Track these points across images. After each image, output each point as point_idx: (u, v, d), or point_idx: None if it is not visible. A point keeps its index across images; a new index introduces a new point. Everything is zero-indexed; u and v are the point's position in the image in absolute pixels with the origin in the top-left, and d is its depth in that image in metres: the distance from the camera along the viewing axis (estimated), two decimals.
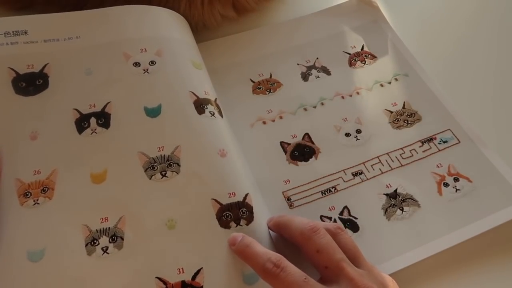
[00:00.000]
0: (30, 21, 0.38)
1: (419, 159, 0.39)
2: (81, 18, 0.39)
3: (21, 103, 0.35)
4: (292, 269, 0.28)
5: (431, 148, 0.40)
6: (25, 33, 0.38)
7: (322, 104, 0.43)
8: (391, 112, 0.42)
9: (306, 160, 0.39)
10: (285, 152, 0.39)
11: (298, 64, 0.45)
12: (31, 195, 0.32)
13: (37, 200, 0.32)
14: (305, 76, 0.45)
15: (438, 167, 0.38)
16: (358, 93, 0.43)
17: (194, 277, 0.30)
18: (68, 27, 0.39)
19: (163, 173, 0.33)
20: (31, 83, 0.36)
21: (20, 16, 0.38)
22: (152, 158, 0.34)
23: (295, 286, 0.27)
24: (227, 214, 0.32)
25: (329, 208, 0.36)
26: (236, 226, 0.32)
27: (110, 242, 0.31)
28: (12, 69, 0.36)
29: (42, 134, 0.34)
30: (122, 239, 0.31)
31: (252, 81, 0.44)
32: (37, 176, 0.33)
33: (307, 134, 0.40)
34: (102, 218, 0.31)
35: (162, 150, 0.34)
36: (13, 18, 0.38)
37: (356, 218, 0.36)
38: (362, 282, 0.28)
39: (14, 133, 0.34)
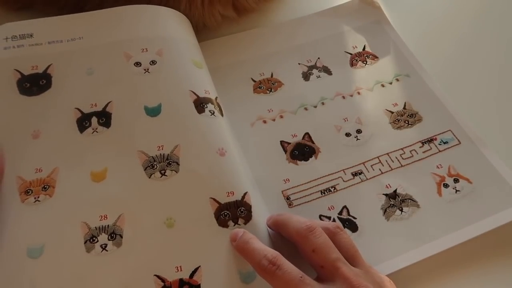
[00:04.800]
0: (36, 25, 0.39)
1: (419, 160, 0.39)
2: (84, 19, 0.40)
3: (25, 103, 0.36)
4: (288, 267, 0.28)
5: (431, 149, 0.39)
6: (31, 36, 0.39)
7: (323, 103, 0.43)
8: (392, 112, 0.42)
9: (306, 159, 0.39)
10: (285, 151, 0.40)
11: (299, 64, 0.46)
12: (32, 192, 0.32)
13: (38, 197, 0.32)
14: (306, 76, 0.45)
15: (438, 168, 0.38)
16: (359, 93, 0.43)
17: (192, 275, 0.30)
18: (71, 28, 0.39)
19: (163, 172, 0.33)
20: (35, 83, 0.37)
21: (27, 21, 0.40)
22: (152, 157, 0.34)
23: (291, 284, 0.27)
24: (225, 213, 0.32)
25: (328, 207, 0.36)
26: (234, 225, 0.32)
27: (109, 240, 0.31)
28: (18, 71, 0.37)
29: (44, 132, 0.35)
30: (121, 236, 0.31)
31: (253, 80, 0.44)
32: (39, 174, 0.33)
33: (307, 133, 0.41)
34: (102, 216, 0.32)
35: (162, 149, 0.34)
36: (21, 23, 0.39)
37: (355, 218, 0.36)
38: (357, 281, 0.28)
39: (17, 132, 0.35)
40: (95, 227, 0.31)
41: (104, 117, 0.36)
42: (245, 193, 0.33)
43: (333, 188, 0.37)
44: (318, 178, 0.38)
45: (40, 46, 0.38)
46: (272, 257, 0.28)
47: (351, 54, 0.46)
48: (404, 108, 0.42)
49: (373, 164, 0.39)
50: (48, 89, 0.37)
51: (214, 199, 0.33)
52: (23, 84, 0.37)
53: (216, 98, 0.39)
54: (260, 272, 0.29)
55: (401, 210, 0.36)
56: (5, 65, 0.37)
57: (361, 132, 0.40)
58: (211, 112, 0.37)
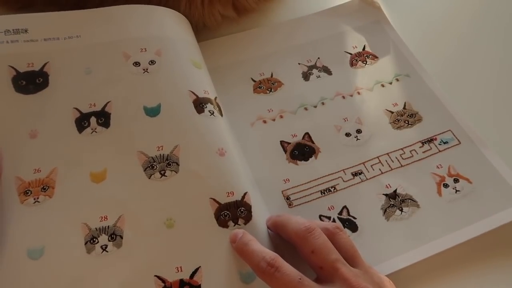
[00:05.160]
0: (30, 20, 0.38)
1: (419, 160, 0.39)
2: (81, 17, 0.39)
3: (21, 102, 0.36)
4: (287, 269, 0.28)
5: (431, 148, 0.39)
6: (25, 31, 0.38)
7: (323, 103, 0.43)
8: (392, 112, 0.42)
9: (306, 159, 0.39)
10: (285, 151, 0.39)
11: (299, 64, 0.45)
12: (31, 193, 0.32)
13: (38, 198, 0.32)
14: (306, 76, 0.45)
15: (438, 168, 0.38)
16: (359, 93, 0.43)
17: (192, 276, 0.30)
18: (68, 26, 0.39)
19: (162, 172, 0.33)
20: (31, 81, 0.36)
21: (20, 14, 0.39)
22: (152, 157, 0.34)
23: (289, 285, 0.27)
24: (225, 214, 0.32)
25: (328, 207, 0.36)
26: (234, 225, 0.32)
27: (109, 241, 0.31)
28: (12, 67, 0.37)
29: (42, 132, 0.35)
30: (121, 237, 0.31)
31: (253, 80, 0.44)
32: (38, 175, 0.33)
33: (307, 133, 0.41)
34: (102, 217, 0.32)
35: (161, 149, 0.34)
36: (13, 16, 0.38)
37: (355, 218, 0.36)
38: (356, 282, 0.28)
39: (14, 131, 0.34)
40: (96, 228, 0.31)
41: (103, 117, 0.36)
42: (245, 193, 0.33)
43: (333, 188, 0.37)
44: (318, 178, 0.38)
45: (36, 42, 0.38)
46: (271, 259, 0.28)
47: (351, 54, 0.46)
48: (404, 108, 0.42)
49: (373, 164, 0.39)
50: (45, 88, 0.36)
51: (214, 199, 0.33)
52: (19, 82, 0.36)
53: (215, 98, 0.39)
54: (259, 274, 0.29)
55: (401, 210, 0.36)
56: None
57: (361, 132, 0.40)
58: (210, 112, 0.37)
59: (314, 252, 0.29)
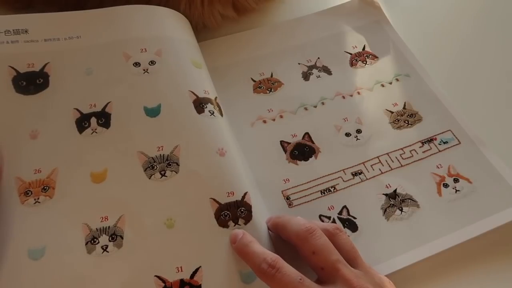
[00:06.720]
0: (30, 20, 0.38)
1: (419, 160, 0.39)
2: (82, 18, 0.39)
3: (22, 102, 0.36)
4: (287, 270, 0.28)
5: (431, 148, 0.39)
6: (26, 32, 0.38)
7: (323, 103, 0.43)
8: (392, 112, 0.42)
9: (306, 159, 0.39)
10: (285, 151, 0.40)
11: (299, 64, 0.45)
12: (31, 193, 0.32)
13: (38, 198, 0.32)
14: (306, 76, 0.45)
15: (438, 167, 0.38)
16: (359, 93, 0.43)
17: (192, 276, 0.30)
18: (68, 26, 0.39)
19: (163, 172, 0.33)
20: (31, 82, 0.37)
21: (20, 15, 0.39)
22: (152, 157, 0.34)
23: (289, 286, 0.27)
24: (226, 214, 0.32)
25: (328, 207, 0.36)
26: (235, 225, 0.32)
27: (109, 241, 0.31)
28: (13, 68, 0.37)
29: (42, 133, 0.35)
30: (122, 238, 0.31)
31: (253, 80, 0.44)
32: (38, 175, 0.33)
33: (307, 133, 0.41)
34: (102, 217, 0.32)
35: (162, 149, 0.34)
36: (13, 17, 0.39)
37: (355, 218, 0.36)
38: (358, 283, 0.28)
39: (14, 132, 0.35)
40: (96, 229, 0.31)
41: (104, 118, 0.36)
42: (245, 193, 0.33)
43: (333, 188, 0.37)
44: (318, 178, 0.38)
45: (36, 43, 0.38)
46: (272, 260, 0.28)
47: (351, 54, 0.46)
48: (404, 108, 0.42)
49: (373, 164, 0.39)
50: (46, 89, 0.36)
51: (214, 200, 0.33)
52: (19, 82, 0.36)
53: (215, 98, 0.39)
54: (260, 275, 0.29)
55: (401, 210, 0.36)
56: None
57: (361, 132, 0.40)
58: (210, 112, 0.37)
59: (315, 253, 0.29)
